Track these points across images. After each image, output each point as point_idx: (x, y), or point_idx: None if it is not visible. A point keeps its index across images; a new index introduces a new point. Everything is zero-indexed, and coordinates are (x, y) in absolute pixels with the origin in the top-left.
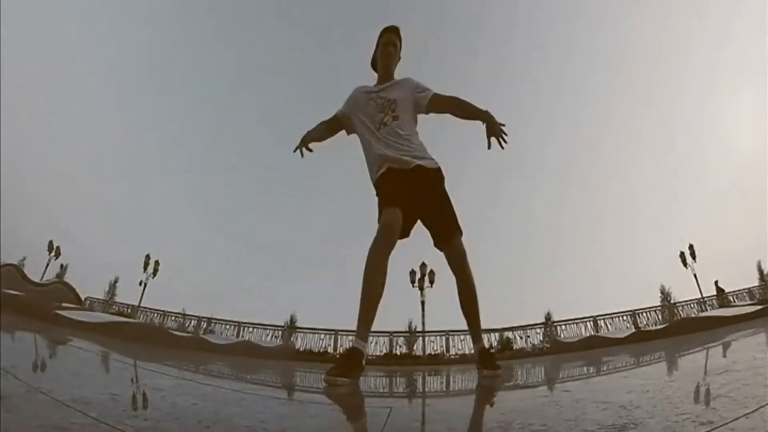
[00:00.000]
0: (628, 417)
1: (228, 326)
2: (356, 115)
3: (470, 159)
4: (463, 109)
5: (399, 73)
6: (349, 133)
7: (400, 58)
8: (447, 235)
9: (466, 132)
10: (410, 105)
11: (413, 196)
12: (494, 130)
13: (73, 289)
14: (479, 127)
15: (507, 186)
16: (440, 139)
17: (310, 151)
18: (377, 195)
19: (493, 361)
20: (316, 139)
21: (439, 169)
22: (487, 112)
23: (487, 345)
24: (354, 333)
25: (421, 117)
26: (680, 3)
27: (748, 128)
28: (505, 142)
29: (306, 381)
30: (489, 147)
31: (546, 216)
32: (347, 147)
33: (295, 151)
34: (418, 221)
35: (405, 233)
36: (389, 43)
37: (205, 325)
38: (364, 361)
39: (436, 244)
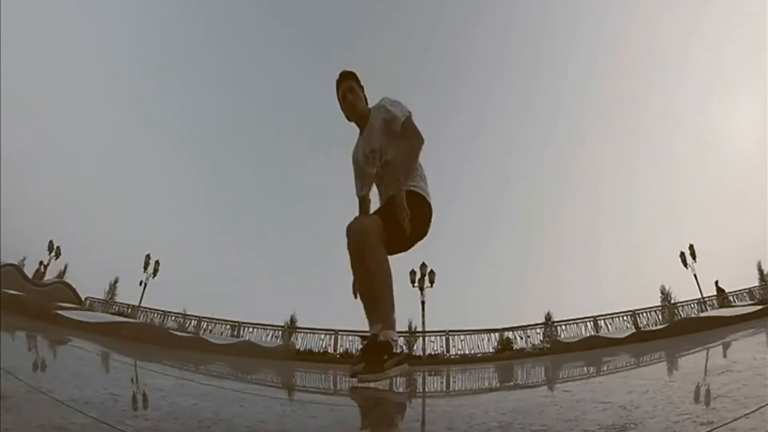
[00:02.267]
0: (628, 417)
1: (228, 326)
2: (367, 173)
3: (470, 160)
4: (406, 157)
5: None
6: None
7: (365, 99)
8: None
9: (465, 135)
10: (382, 134)
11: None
12: (397, 207)
13: (73, 289)
14: (479, 130)
15: (507, 186)
16: (440, 142)
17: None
18: None
19: (379, 360)
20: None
21: (412, 192)
22: (401, 191)
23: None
24: (351, 332)
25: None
26: (680, 3)
27: (748, 128)
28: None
29: (306, 381)
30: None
31: (546, 216)
32: (347, 147)
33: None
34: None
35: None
36: (346, 92)
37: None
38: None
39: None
